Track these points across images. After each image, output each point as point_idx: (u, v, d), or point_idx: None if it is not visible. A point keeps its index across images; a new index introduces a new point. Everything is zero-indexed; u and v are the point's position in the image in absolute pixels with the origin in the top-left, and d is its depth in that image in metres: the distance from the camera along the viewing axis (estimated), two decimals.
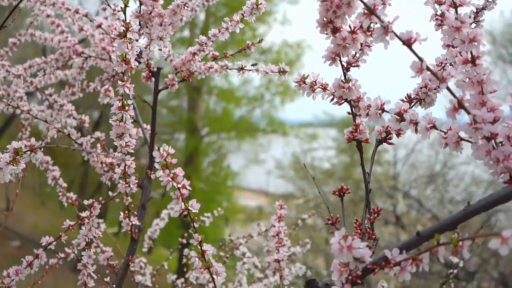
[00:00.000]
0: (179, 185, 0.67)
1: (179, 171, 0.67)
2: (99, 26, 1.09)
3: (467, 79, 0.58)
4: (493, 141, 0.57)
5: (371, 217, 0.66)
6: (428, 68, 0.54)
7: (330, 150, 9.99)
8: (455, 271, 1.15)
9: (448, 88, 0.55)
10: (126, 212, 1.02)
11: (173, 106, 12.43)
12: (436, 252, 0.51)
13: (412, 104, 0.74)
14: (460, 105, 0.55)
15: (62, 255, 1.13)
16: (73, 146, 1.07)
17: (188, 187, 0.67)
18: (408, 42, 0.54)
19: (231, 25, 0.94)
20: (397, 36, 0.54)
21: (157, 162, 0.66)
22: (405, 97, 0.74)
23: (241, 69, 1.00)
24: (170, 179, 0.66)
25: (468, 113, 0.54)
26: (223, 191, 11.52)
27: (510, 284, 5.83)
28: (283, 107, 12.21)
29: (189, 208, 0.68)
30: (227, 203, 11.40)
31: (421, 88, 0.74)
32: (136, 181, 0.97)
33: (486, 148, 0.54)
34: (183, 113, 12.19)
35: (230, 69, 1.02)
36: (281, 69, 0.89)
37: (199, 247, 0.70)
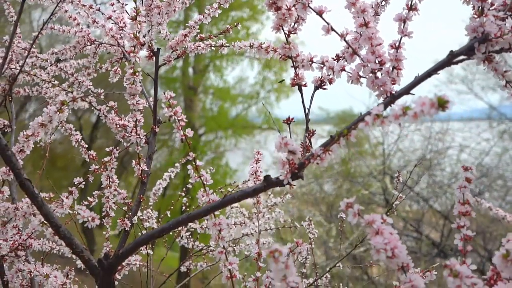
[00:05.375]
0: (179, 118, 0.97)
1: (179, 109, 0.97)
2: (109, 18, 1.40)
3: (362, 36, 0.89)
4: (380, 74, 0.87)
5: (309, 135, 0.97)
6: (332, 29, 0.84)
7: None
8: (397, 202, 1.46)
9: (345, 41, 0.85)
10: (137, 160, 1.33)
11: None
12: (339, 143, 0.81)
13: (340, 61, 1.04)
14: (354, 52, 0.85)
15: (91, 199, 1.43)
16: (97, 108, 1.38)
17: (185, 120, 0.97)
18: (320, 13, 0.85)
19: (211, 11, 1.25)
20: (312, 9, 0.85)
21: (163, 102, 0.96)
22: (335, 56, 1.04)
23: (221, 46, 1.31)
24: (173, 114, 0.97)
25: (359, 56, 0.85)
26: (223, 189, 11.79)
27: None
28: (278, 104, 12.52)
29: (186, 133, 0.98)
30: None
31: (345, 48, 1.04)
32: (145, 134, 1.27)
33: (371, 79, 0.85)
34: None
35: (214, 47, 1.33)
36: (251, 44, 1.19)
37: (193, 163, 1.00)
